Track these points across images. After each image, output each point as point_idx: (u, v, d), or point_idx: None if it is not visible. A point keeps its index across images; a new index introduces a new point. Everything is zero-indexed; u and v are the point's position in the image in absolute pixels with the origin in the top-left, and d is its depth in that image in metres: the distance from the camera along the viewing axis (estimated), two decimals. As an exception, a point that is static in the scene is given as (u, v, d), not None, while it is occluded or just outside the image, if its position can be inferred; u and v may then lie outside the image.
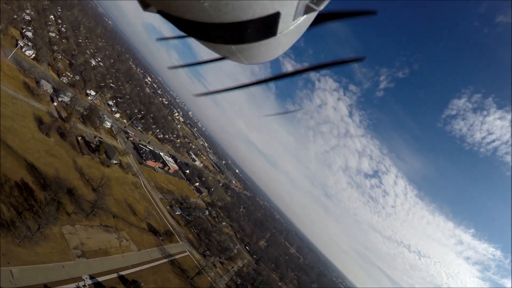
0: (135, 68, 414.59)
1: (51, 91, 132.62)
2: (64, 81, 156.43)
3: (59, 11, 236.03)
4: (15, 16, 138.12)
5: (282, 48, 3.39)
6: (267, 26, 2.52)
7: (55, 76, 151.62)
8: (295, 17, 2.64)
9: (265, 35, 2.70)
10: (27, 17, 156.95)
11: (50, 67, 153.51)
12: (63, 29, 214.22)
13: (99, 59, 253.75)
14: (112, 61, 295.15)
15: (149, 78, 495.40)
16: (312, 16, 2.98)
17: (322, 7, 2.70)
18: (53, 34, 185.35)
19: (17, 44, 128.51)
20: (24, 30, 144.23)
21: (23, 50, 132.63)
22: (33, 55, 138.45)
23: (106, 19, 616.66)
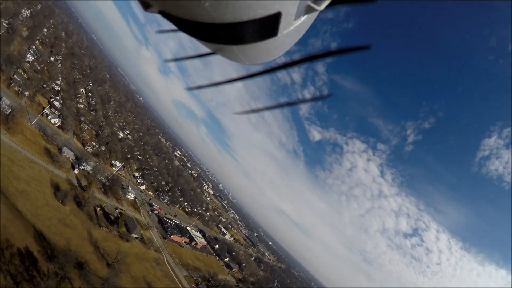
0: (164, 142, 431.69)
1: (73, 159, 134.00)
2: (89, 150, 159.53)
3: (90, 85, 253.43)
4: (44, 85, 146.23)
5: (283, 48, 3.52)
6: (268, 26, 2.58)
7: (79, 145, 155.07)
8: (296, 17, 2.71)
9: (266, 35, 2.77)
10: (57, 88, 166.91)
11: (75, 136, 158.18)
12: (92, 102, 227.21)
13: (128, 132, 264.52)
14: (141, 134, 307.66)
15: (178, 152, 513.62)
16: (313, 16, 3.05)
17: (323, 7, 2.77)
18: (82, 106, 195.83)
19: (43, 111, 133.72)
20: (52, 99, 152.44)
21: (49, 117, 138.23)
22: (59, 123, 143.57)
23: (137, 96, 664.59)
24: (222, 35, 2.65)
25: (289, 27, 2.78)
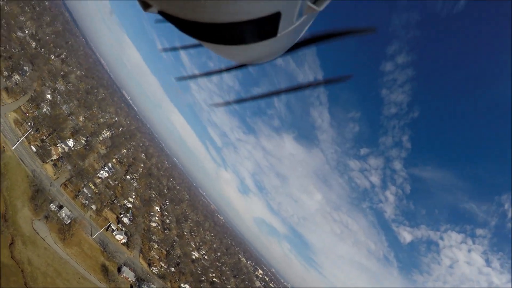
0: (245, 261, 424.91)
1: (133, 280, 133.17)
2: (154, 271, 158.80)
3: (166, 204, 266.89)
4: (115, 201, 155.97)
5: (283, 49, 3.78)
6: (267, 26, 2.71)
7: (144, 265, 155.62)
8: (295, 18, 2.85)
9: (266, 35, 2.92)
10: (128, 205, 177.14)
11: (141, 255, 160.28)
12: (167, 220, 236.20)
13: (204, 252, 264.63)
14: (218, 254, 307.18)
15: (260, 271, 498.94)
16: (313, 16, 3.24)
17: (323, 7, 2.93)
18: (154, 224, 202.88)
19: (108, 226, 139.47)
20: (122, 215, 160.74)
21: (114, 233, 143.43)
22: (124, 240, 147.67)
23: (218, 215, 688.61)
24: (222, 35, 2.74)
25: (289, 27, 2.89)
